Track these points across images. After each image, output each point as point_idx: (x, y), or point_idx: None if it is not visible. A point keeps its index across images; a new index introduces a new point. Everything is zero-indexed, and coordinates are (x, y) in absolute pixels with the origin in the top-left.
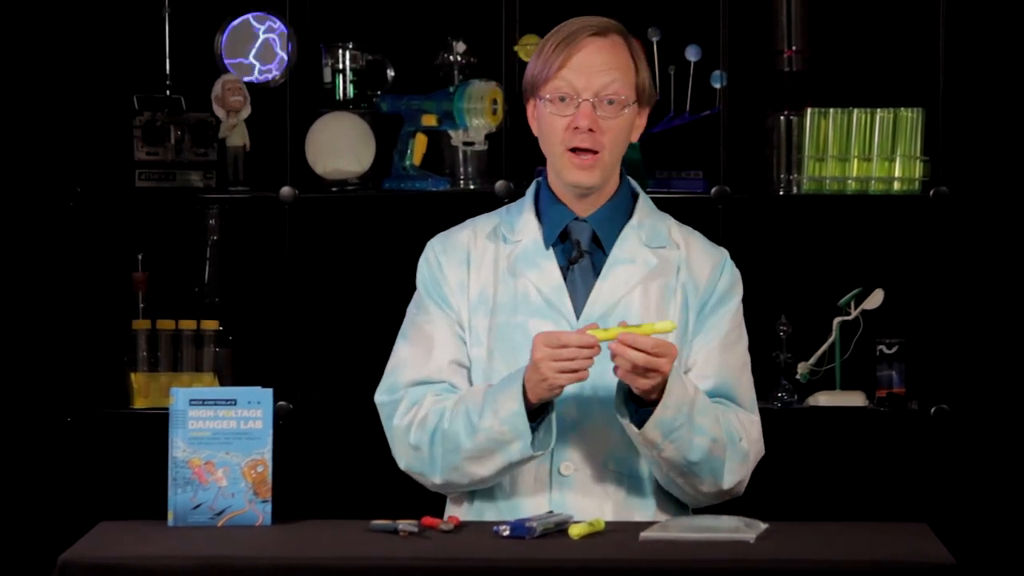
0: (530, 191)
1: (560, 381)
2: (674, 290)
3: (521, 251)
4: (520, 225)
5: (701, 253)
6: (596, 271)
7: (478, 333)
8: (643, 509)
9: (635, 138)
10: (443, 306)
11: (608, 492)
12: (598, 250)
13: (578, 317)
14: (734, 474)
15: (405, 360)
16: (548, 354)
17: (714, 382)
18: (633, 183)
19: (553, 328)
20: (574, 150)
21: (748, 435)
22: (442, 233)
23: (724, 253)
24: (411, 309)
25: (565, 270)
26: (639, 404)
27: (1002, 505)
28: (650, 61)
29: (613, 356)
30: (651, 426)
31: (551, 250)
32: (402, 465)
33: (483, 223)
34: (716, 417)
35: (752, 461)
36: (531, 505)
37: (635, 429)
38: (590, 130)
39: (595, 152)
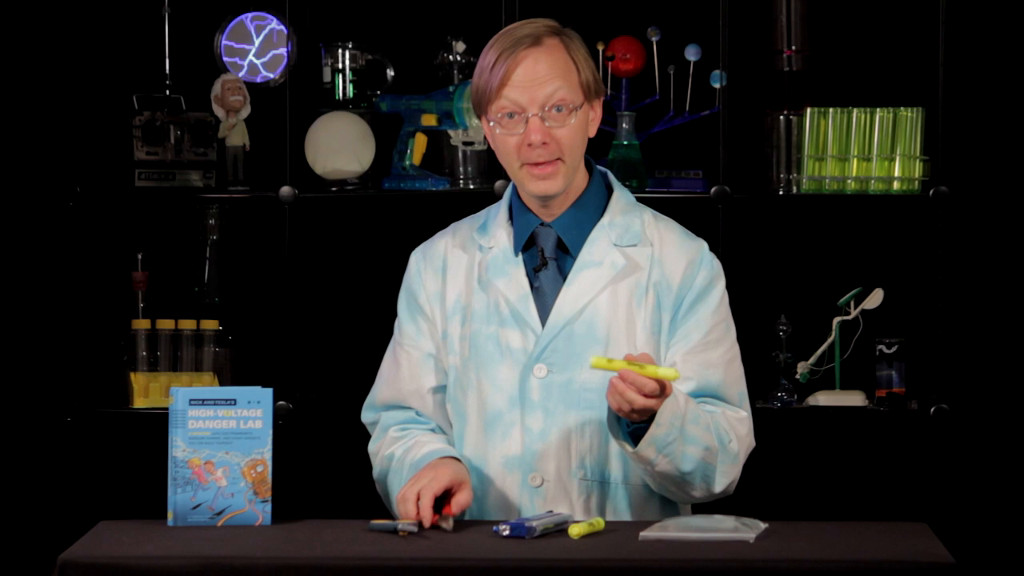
0: (507, 195)
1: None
2: (645, 289)
3: (492, 259)
4: (493, 232)
5: (675, 249)
6: (564, 276)
7: (453, 342)
8: (618, 514)
9: (592, 133)
10: (416, 323)
11: (580, 500)
12: (566, 255)
13: (543, 325)
14: (726, 476)
15: (382, 380)
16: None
17: (695, 384)
18: (609, 177)
19: (520, 338)
20: (532, 164)
21: (737, 434)
22: (425, 242)
23: (701, 246)
24: (396, 324)
25: (532, 278)
26: (630, 420)
27: (1002, 505)
28: (649, 61)
29: (611, 389)
30: (645, 444)
31: (520, 257)
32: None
33: (463, 229)
34: (707, 424)
35: (742, 459)
36: (500, 515)
37: (629, 448)
38: (544, 143)
39: (554, 160)
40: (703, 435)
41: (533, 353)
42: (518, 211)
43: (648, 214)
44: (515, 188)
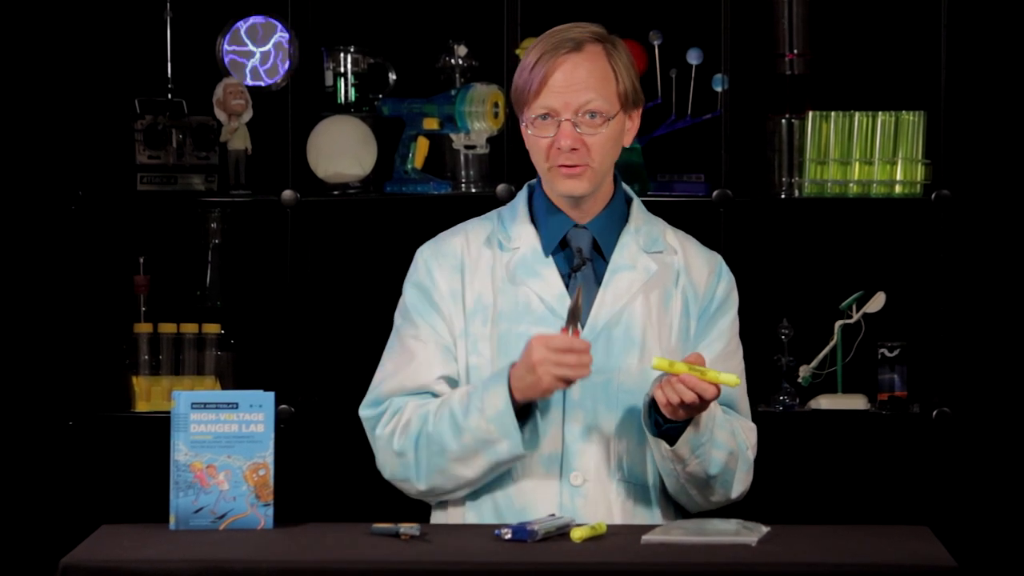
0: (521, 196)
1: (557, 385)
2: (673, 296)
3: (520, 259)
4: (516, 232)
5: (698, 258)
6: (597, 278)
7: (476, 341)
8: (648, 517)
9: (627, 142)
10: (431, 316)
11: (615, 501)
12: (598, 257)
13: (582, 325)
14: (742, 484)
15: (389, 374)
16: (548, 358)
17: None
18: (627, 188)
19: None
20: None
21: (750, 443)
22: (432, 240)
23: (719, 257)
24: (397, 319)
25: (566, 278)
26: (662, 419)
27: (1003, 508)
28: (651, 64)
29: (666, 384)
30: (682, 443)
31: (551, 258)
32: (386, 474)
33: (476, 229)
34: (732, 430)
35: (752, 468)
36: (539, 514)
37: (667, 446)
38: (573, 149)
39: (583, 164)
40: (728, 440)
41: None
42: (546, 212)
43: (665, 224)
44: (538, 190)
